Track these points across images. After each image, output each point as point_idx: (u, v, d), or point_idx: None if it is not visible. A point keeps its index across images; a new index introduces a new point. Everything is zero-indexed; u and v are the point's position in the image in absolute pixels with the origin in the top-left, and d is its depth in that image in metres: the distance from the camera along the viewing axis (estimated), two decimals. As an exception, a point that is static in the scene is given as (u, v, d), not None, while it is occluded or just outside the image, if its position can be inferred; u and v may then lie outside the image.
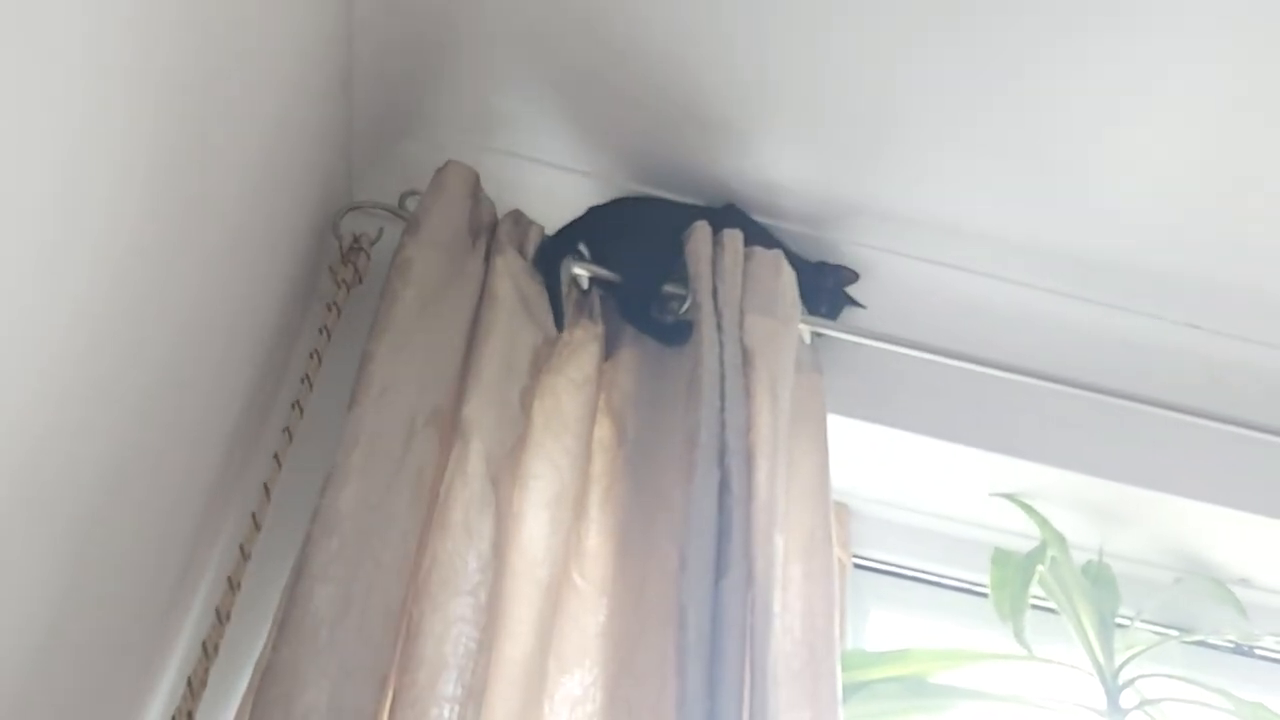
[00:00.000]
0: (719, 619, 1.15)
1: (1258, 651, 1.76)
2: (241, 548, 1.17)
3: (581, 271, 1.45)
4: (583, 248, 1.47)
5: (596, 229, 1.47)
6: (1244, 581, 1.73)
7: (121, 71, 0.77)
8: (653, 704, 1.12)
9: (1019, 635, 1.50)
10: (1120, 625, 1.59)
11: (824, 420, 1.43)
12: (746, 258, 1.45)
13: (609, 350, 1.42)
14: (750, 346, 1.36)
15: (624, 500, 1.30)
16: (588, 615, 1.23)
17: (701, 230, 1.44)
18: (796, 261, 1.51)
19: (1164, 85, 1.37)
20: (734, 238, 1.45)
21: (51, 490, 0.83)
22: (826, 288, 1.55)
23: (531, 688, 1.17)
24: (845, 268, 1.57)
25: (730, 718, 1.09)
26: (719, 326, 1.36)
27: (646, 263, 1.46)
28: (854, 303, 1.57)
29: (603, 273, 1.45)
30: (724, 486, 1.23)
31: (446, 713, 1.06)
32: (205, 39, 0.91)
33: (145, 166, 0.85)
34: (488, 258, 1.37)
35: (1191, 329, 1.71)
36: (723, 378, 1.31)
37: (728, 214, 1.52)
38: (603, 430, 1.36)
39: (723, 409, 1.28)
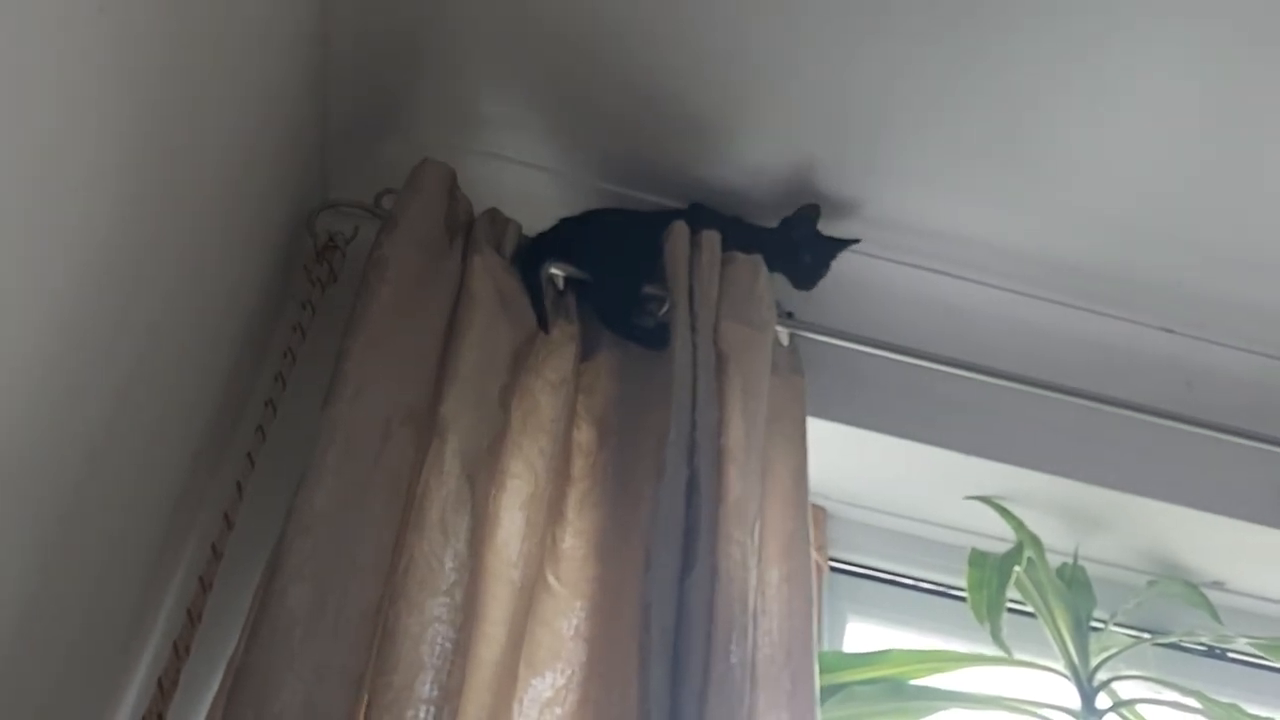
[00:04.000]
0: (682, 617, 1.15)
1: (1230, 655, 1.77)
2: (213, 547, 1.16)
3: (557, 271, 1.44)
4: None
5: (573, 236, 1.46)
6: (1217, 585, 1.75)
7: (93, 68, 0.75)
8: (617, 702, 1.12)
9: (996, 635, 1.50)
10: (1095, 628, 1.59)
11: (803, 423, 1.42)
12: (726, 262, 1.44)
13: (587, 351, 1.41)
14: (724, 352, 1.35)
15: (603, 504, 1.29)
16: (561, 618, 1.22)
17: (679, 230, 1.43)
18: (762, 233, 1.52)
19: (1140, 89, 1.38)
20: (711, 239, 1.44)
21: (21, 488, 0.81)
22: (800, 240, 1.53)
23: (502, 690, 1.16)
24: (804, 207, 1.53)
25: (692, 716, 1.09)
26: (693, 328, 1.35)
27: (624, 268, 1.45)
28: (846, 242, 1.54)
29: (578, 273, 1.44)
30: (692, 485, 1.23)
31: (423, 714, 1.05)
32: (179, 36, 0.89)
33: (117, 164, 0.83)
34: (465, 256, 1.36)
35: (1166, 333, 1.72)
36: (695, 379, 1.30)
37: (698, 213, 1.52)
38: (585, 434, 1.35)
39: (694, 409, 1.28)
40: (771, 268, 1.49)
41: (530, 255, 1.42)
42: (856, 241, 1.55)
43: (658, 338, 1.37)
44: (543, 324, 1.37)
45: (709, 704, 1.11)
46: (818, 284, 1.53)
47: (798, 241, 1.53)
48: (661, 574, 1.16)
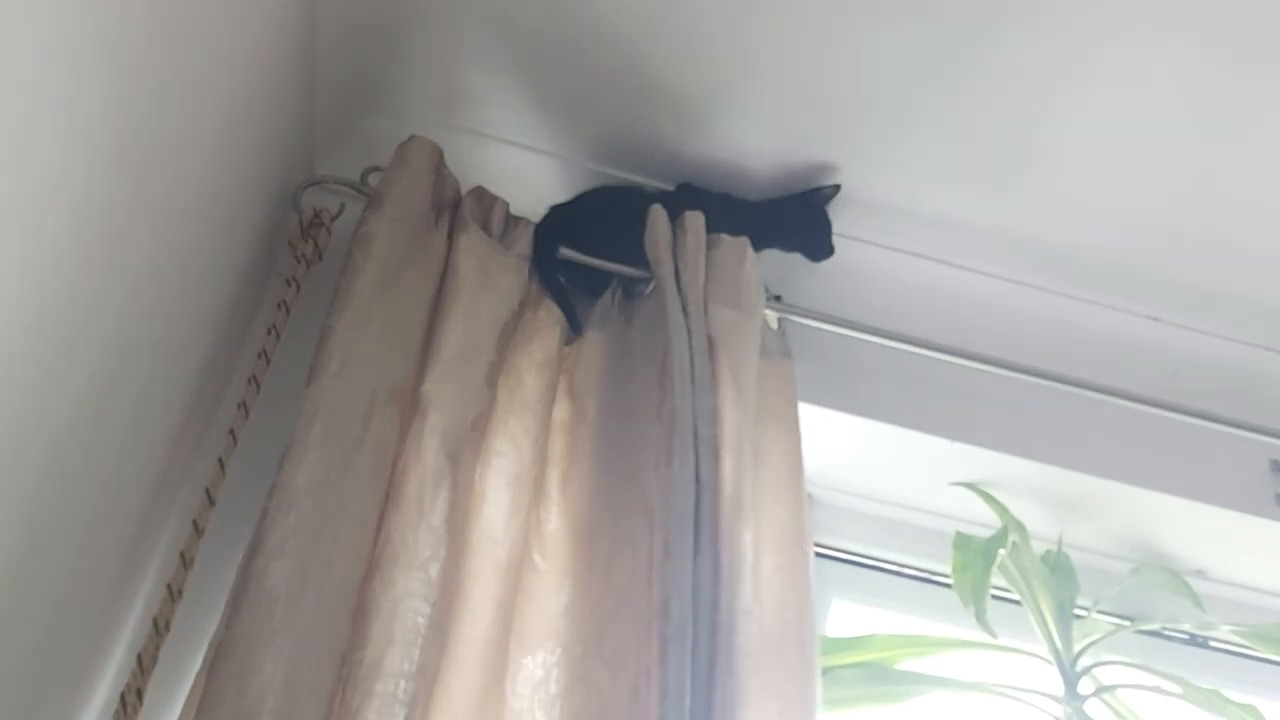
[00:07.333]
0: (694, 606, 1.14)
1: (1213, 642, 1.77)
2: (195, 523, 1.14)
3: (570, 253, 1.44)
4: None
5: (566, 225, 1.46)
6: (1199, 573, 1.75)
7: (76, 39, 0.74)
8: (629, 690, 1.09)
9: (980, 618, 1.50)
10: (1078, 614, 1.60)
11: (795, 407, 1.41)
12: (712, 245, 1.43)
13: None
14: (714, 337, 1.34)
15: (586, 482, 1.28)
16: (549, 597, 1.21)
17: (658, 214, 1.42)
18: (774, 203, 1.54)
19: (1131, 77, 1.37)
20: (695, 219, 1.43)
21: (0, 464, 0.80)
22: (816, 213, 1.55)
23: (492, 669, 1.16)
24: (827, 186, 1.54)
25: (701, 704, 1.08)
26: (685, 311, 1.34)
27: (612, 249, 1.45)
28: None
29: (570, 254, 1.43)
30: (696, 474, 1.22)
31: (393, 688, 1.05)
32: (163, 9, 0.88)
33: (100, 138, 0.82)
34: (451, 234, 1.36)
35: (1152, 321, 1.72)
36: (692, 363, 1.30)
37: (687, 194, 1.51)
38: (569, 414, 1.34)
39: (693, 393, 1.27)
40: (782, 243, 1.51)
41: (542, 260, 1.42)
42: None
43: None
44: (575, 328, 1.39)
45: (716, 693, 1.09)
46: (831, 254, 1.54)
47: (815, 214, 1.54)
48: (678, 565, 1.14)
